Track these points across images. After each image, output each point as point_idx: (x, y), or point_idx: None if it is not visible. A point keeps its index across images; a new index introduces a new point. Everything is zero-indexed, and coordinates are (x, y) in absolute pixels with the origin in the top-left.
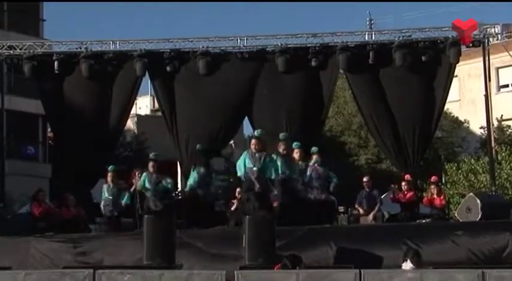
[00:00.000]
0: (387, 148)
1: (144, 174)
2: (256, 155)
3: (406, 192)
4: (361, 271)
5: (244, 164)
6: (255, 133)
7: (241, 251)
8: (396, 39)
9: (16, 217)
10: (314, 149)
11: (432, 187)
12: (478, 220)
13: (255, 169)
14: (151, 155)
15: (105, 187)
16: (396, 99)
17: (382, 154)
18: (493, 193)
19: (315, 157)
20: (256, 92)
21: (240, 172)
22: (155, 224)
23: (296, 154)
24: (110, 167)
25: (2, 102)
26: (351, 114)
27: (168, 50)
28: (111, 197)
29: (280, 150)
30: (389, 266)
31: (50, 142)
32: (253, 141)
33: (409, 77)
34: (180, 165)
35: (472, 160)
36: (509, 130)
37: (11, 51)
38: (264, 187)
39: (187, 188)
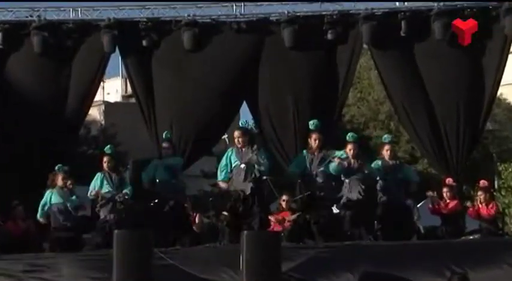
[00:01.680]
0: (423, 144)
1: (98, 174)
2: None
3: (448, 200)
4: None
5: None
6: (240, 124)
7: (237, 275)
8: (435, 5)
9: None
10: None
11: (480, 193)
12: None
13: (242, 166)
14: (106, 149)
15: (49, 193)
16: (435, 83)
17: (417, 151)
18: None
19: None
20: (256, 73)
21: (220, 176)
22: (128, 241)
23: (314, 142)
24: (58, 167)
25: None
26: (377, 101)
27: (144, 20)
28: (61, 206)
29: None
30: None
31: None
32: (236, 133)
33: (452, 53)
34: None
35: None
36: None
37: None
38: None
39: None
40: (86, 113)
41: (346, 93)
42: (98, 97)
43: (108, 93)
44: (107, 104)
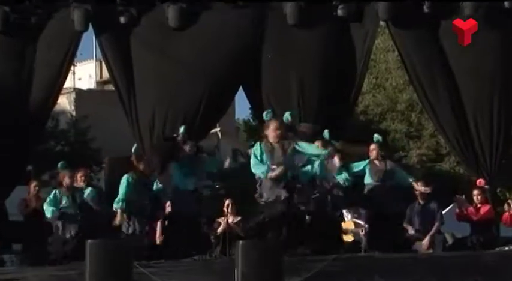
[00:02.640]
0: (450, 139)
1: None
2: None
3: (479, 205)
4: None
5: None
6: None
7: None
8: None
9: None
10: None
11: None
12: None
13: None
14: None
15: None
16: (465, 68)
17: (443, 147)
18: None
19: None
20: (255, 56)
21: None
22: (103, 253)
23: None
24: (61, 164)
25: None
26: (396, 89)
27: None
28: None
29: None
30: None
31: None
32: (272, 126)
33: (484, 33)
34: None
35: None
36: None
37: None
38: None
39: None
40: (54, 102)
41: (361, 79)
42: (68, 84)
43: (80, 79)
44: (79, 92)
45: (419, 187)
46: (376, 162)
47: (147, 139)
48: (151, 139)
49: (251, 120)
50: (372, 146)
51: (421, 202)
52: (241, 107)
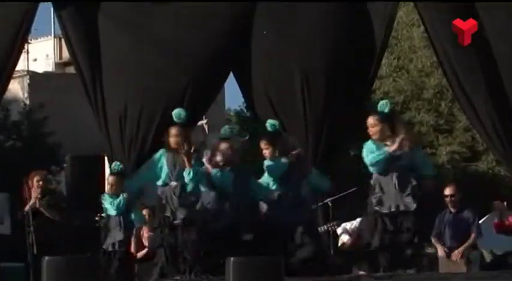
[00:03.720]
0: (488, 134)
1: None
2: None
3: None
4: None
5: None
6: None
7: None
8: None
9: None
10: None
11: None
12: None
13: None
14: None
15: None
16: (506, 49)
17: (479, 143)
18: None
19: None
20: (249, 35)
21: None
22: (62, 272)
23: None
24: (115, 165)
25: None
26: (422, 72)
27: None
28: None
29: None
30: None
31: None
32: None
33: None
34: (109, 162)
35: None
36: None
37: None
38: None
39: None
40: (4, 88)
41: (378, 61)
42: (20, 66)
43: (35, 60)
44: (33, 76)
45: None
46: None
47: (117, 135)
48: (121, 135)
49: (244, 111)
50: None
51: (452, 210)
52: (233, 96)
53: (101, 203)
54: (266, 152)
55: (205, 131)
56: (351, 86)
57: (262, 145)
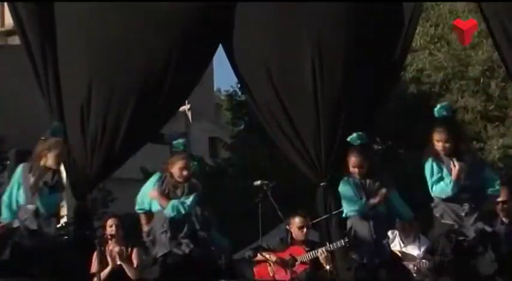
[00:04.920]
0: None
1: None
2: None
3: None
4: None
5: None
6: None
7: None
8: None
9: None
10: None
11: None
12: None
13: None
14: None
15: None
16: None
17: None
18: None
19: None
20: None
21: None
22: None
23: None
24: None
25: None
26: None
27: None
28: None
29: None
30: None
31: None
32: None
33: None
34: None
35: None
36: None
37: None
38: None
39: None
40: None
41: (411, 29)
42: None
43: None
44: None
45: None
46: None
47: (76, 126)
48: (82, 126)
49: (238, 93)
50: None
51: (505, 219)
52: (223, 75)
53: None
54: (355, 170)
55: (188, 118)
56: (375, 64)
57: (352, 161)
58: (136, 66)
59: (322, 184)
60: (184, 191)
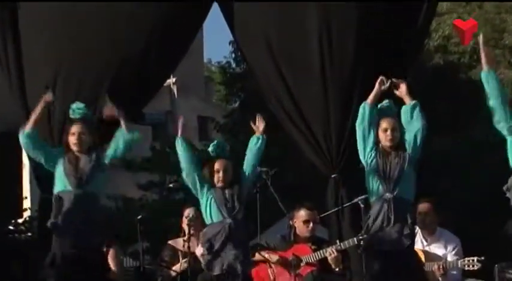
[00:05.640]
0: None
1: None
2: None
3: None
4: None
5: None
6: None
7: None
8: None
9: None
10: None
11: None
12: None
13: None
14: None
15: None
16: None
17: None
18: None
19: None
20: None
21: None
22: None
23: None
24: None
25: None
26: (501, 8)
27: None
28: None
29: None
30: None
31: None
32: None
33: None
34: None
35: None
36: None
37: None
38: None
39: None
40: None
41: None
42: None
43: None
44: None
45: None
46: None
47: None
48: (49, 113)
49: (232, 63)
50: None
51: None
52: (214, 45)
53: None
54: (386, 134)
55: (173, 92)
56: (392, 35)
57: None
58: (116, 35)
59: (333, 176)
60: None
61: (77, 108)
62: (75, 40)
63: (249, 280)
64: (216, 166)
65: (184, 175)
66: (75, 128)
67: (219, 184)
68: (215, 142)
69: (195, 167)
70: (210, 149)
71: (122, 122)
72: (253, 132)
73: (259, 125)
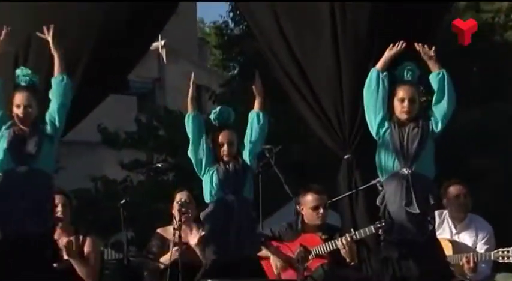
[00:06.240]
0: None
1: None
2: None
3: None
4: None
5: None
6: None
7: None
8: None
9: None
10: None
11: None
12: None
13: None
14: None
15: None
16: None
17: None
18: None
19: None
20: None
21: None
22: None
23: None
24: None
25: None
26: None
27: None
28: None
29: None
30: None
31: None
32: None
33: None
34: None
35: None
36: None
37: None
38: None
39: None
40: None
41: None
42: None
43: None
44: None
45: None
46: None
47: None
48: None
49: (229, 23)
50: None
51: None
52: (208, 1)
53: None
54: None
55: (162, 58)
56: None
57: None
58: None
59: (346, 156)
60: None
61: (22, 74)
62: None
63: (257, 265)
64: (221, 138)
65: (190, 151)
66: (19, 99)
67: (225, 158)
68: (217, 109)
69: (207, 147)
70: (212, 117)
71: (57, 59)
72: (253, 104)
73: (256, 86)
